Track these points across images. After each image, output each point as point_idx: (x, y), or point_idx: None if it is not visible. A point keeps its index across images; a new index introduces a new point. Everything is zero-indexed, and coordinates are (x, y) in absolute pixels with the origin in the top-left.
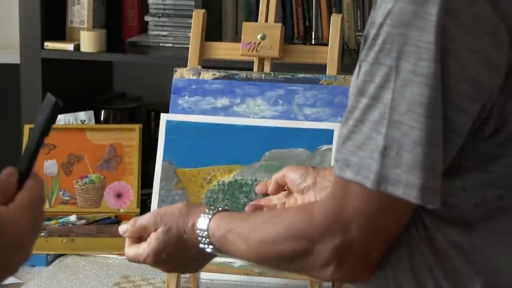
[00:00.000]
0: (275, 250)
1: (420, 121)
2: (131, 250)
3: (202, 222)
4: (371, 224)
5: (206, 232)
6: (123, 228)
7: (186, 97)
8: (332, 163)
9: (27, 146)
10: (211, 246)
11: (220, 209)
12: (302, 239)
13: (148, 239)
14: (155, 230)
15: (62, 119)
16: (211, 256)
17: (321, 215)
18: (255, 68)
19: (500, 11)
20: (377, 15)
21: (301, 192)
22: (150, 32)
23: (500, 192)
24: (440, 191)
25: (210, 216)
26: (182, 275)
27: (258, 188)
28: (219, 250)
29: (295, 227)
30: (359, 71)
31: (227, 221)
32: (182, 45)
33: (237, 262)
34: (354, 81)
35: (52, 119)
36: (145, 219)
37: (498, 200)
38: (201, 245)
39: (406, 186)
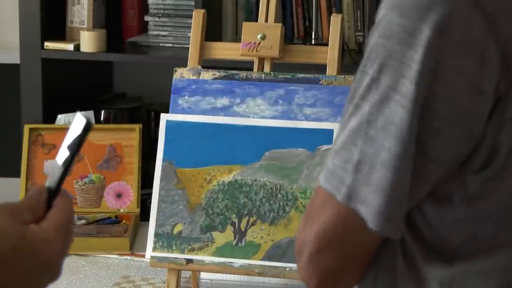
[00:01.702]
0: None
1: (390, 142)
2: None
3: None
4: (332, 239)
5: None
6: None
7: (186, 97)
8: None
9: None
10: None
11: None
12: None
13: None
14: None
15: (62, 119)
16: None
17: (301, 220)
18: (255, 68)
19: (496, 34)
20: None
21: None
22: (150, 32)
23: (494, 230)
24: (401, 222)
25: None
26: (182, 275)
27: None
28: None
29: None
30: None
31: None
32: (182, 45)
33: (237, 262)
34: None
35: (83, 138)
36: None
37: (490, 239)
38: None
39: (368, 207)
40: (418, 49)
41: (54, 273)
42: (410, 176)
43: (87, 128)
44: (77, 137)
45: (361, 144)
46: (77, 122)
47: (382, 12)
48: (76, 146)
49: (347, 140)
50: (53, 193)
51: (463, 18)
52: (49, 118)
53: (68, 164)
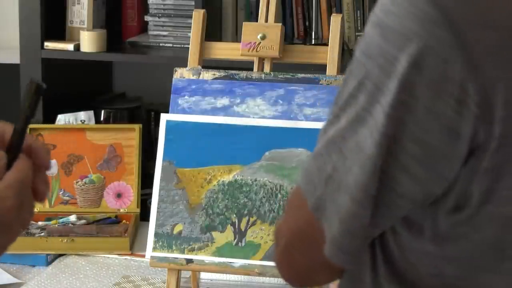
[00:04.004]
0: None
1: (356, 170)
2: None
3: None
4: (296, 246)
5: None
6: None
7: (186, 97)
8: None
9: (14, 130)
10: None
11: None
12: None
13: None
14: None
15: (62, 119)
16: None
17: (284, 208)
18: (255, 68)
19: (478, 78)
20: None
21: None
22: (150, 32)
23: (460, 272)
24: (355, 253)
25: None
26: (182, 275)
27: None
28: None
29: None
30: None
31: None
32: (182, 45)
33: (237, 262)
34: None
35: (36, 101)
36: None
37: (456, 279)
38: None
39: (329, 229)
40: (394, 79)
41: (11, 232)
42: (371, 211)
43: (39, 91)
44: (30, 101)
45: (335, 158)
46: (30, 87)
47: (367, 28)
48: (29, 110)
49: (324, 148)
50: (13, 158)
51: (443, 56)
52: (49, 118)
53: (23, 127)
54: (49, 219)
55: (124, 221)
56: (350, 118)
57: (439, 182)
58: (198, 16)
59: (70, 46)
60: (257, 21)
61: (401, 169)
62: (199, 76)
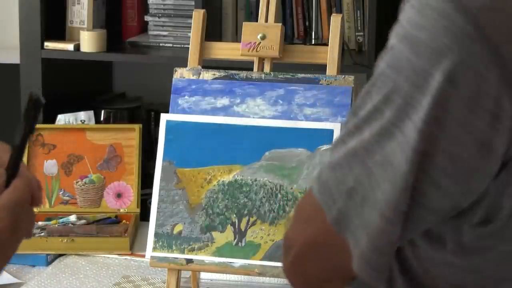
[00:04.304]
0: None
1: (385, 185)
2: None
3: None
4: (307, 255)
5: None
6: None
7: (186, 97)
8: None
9: (13, 146)
10: None
11: None
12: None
13: None
14: None
15: (62, 119)
16: None
17: (293, 215)
18: (255, 68)
19: None
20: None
21: None
22: (150, 32)
23: (482, 282)
24: (384, 270)
25: None
26: (182, 275)
27: None
28: None
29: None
30: None
31: None
32: (182, 45)
33: (237, 262)
34: None
35: (35, 116)
36: None
37: None
38: None
39: (356, 245)
40: (427, 95)
41: (4, 254)
42: (400, 227)
43: (38, 106)
44: (29, 116)
45: (358, 171)
46: (29, 101)
47: (393, 40)
48: (28, 125)
49: (344, 159)
50: (12, 175)
51: (479, 71)
52: (49, 118)
53: (22, 144)
54: (49, 219)
55: (124, 221)
56: (374, 132)
57: (467, 196)
58: (198, 16)
59: (70, 46)
60: (257, 21)
61: (432, 185)
62: (199, 76)
